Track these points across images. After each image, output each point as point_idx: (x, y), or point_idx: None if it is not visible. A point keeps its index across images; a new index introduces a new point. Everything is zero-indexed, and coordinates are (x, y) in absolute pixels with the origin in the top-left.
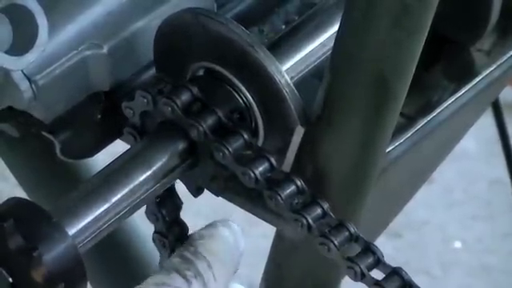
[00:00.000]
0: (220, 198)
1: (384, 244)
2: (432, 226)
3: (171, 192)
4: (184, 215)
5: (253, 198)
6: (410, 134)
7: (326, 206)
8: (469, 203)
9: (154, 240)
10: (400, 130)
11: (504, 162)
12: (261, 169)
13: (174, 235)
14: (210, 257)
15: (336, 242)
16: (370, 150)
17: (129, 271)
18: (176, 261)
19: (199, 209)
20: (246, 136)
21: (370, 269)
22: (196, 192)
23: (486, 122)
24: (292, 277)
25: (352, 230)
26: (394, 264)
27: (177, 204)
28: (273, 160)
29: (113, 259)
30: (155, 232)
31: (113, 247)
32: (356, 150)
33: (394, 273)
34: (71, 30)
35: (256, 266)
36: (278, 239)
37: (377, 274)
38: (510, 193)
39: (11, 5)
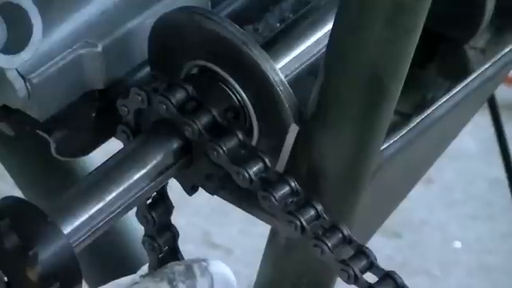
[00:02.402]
0: (218, 197)
1: (383, 244)
2: (432, 226)
3: (163, 195)
4: (183, 214)
5: (248, 198)
6: (404, 132)
7: (319, 207)
8: (468, 203)
9: (143, 243)
10: (394, 128)
11: (502, 162)
12: (255, 169)
13: (164, 239)
14: (217, 280)
15: (329, 245)
16: (364, 148)
17: (124, 269)
18: (178, 269)
19: (199, 209)
20: (240, 135)
21: (363, 272)
22: (191, 190)
23: (485, 122)
24: (287, 275)
25: (345, 232)
26: (393, 264)
27: (168, 207)
28: (267, 160)
29: (108, 258)
30: (145, 235)
31: (107, 245)
32: (350, 147)
33: (387, 276)
34: (65, 28)
35: (255, 265)
36: (273, 237)
37: (370, 277)
38: (509, 192)
39: (5, 3)
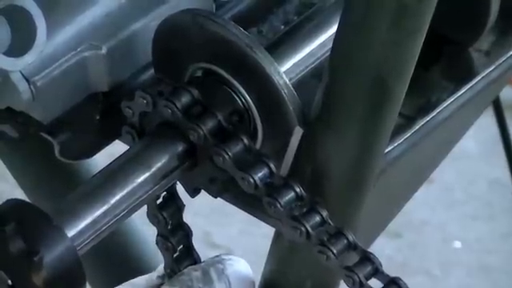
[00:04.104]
0: (219, 198)
1: (384, 244)
2: (432, 226)
3: (172, 194)
4: (183, 214)
5: (252, 201)
6: (408, 135)
7: (324, 213)
8: (469, 203)
9: (157, 243)
10: (399, 131)
11: (504, 162)
12: (260, 174)
13: (178, 239)
14: (234, 282)
15: (334, 251)
16: (368, 150)
17: (128, 272)
18: (195, 275)
19: (199, 209)
20: (245, 140)
21: (368, 278)
22: (193, 193)
23: (485, 122)
24: (291, 277)
25: (350, 238)
26: (393, 264)
27: (179, 206)
28: (272, 165)
29: (111, 260)
30: (158, 235)
31: (111, 248)
32: (355, 150)
33: (392, 282)
34: (70, 30)
35: (256, 265)
36: (278, 240)
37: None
38: (510, 192)
39: (10, 6)
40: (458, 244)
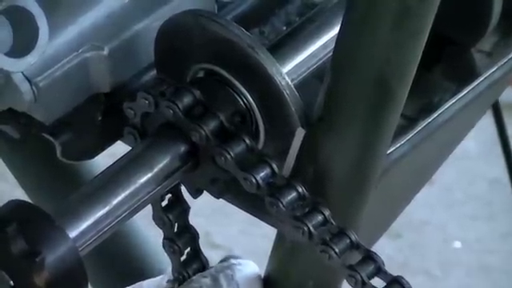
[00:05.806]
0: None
1: (384, 244)
2: (432, 226)
3: (177, 196)
4: None
5: (254, 201)
6: (410, 136)
7: (327, 213)
8: (469, 203)
9: (163, 246)
10: (401, 132)
11: (504, 162)
12: (262, 174)
13: (184, 241)
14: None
15: (337, 250)
16: (370, 152)
17: (130, 273)
18: (205, 282)
19: (199, 209)
20: (247, 140)
21: (370, 277)
22: (195, 193)
23: (486, 122)
24: (293, 277)
25: (353, 237)
26: (393, 264)
27: (184, 208)
28: (274, 165)
29: (113, 261)
30: (164, 238)
31: (113, 249)
32: (357, 151)
33: (395, 281)
34: (72, 31)
35: (257, 266)
36: (280, 240)
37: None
38: (510, 192)
39: (11, 6)
40: (457, 244)
